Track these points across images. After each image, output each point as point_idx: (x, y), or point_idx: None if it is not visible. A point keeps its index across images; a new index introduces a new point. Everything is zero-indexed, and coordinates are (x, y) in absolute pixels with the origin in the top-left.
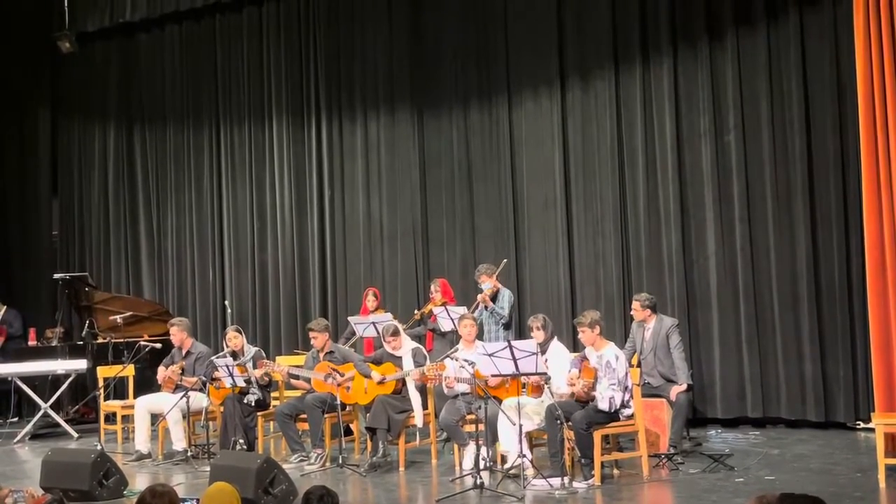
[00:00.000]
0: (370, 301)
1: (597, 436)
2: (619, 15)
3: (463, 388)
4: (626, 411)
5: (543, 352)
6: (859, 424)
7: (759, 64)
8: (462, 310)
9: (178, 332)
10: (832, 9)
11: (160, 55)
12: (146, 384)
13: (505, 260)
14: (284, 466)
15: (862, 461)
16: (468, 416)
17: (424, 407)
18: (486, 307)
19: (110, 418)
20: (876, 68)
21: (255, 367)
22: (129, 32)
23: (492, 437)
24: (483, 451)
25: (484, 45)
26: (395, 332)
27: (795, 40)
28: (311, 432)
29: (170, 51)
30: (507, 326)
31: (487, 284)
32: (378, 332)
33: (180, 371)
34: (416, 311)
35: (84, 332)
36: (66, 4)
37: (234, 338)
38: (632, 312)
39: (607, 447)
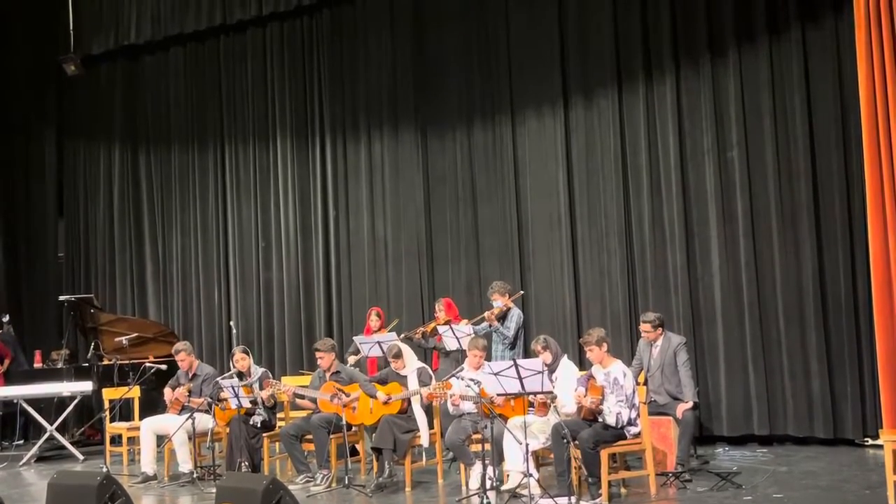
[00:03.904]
0: (373, 321)
1: (604, 454)
2: (622, 33)
3: (469, 407)
4: (633, 429)
5: (553, 370)
6: (868, 441)
7: (762, 80)
8: (467, 328)
9: (186, 357)
10: (834, 24)
11: (165, 77)
12: (152, 406)
13: (521, 291)
14: (290, 487)
15: (871, 478)
16: (474, 436)
17: (430, 426)
18: (489, 325)
19: (116, 440)
20: (879, 83)
21: (261, 388)
22: (134, 55)
23: (498, 457)
24: (489, 470)
25: (487, 64)
26: (398, 355)
27: (798, 56)
28: (316, 453)
29: (174, 73)
30: (511, 346)
31: (499, 303)
32: (383, 352)
33: (188, 393)
34: (417, 330)
35: (90, 354)
36: (71, 27)
37: (242, 359)
38: (642, 334)
39: (614, 466)
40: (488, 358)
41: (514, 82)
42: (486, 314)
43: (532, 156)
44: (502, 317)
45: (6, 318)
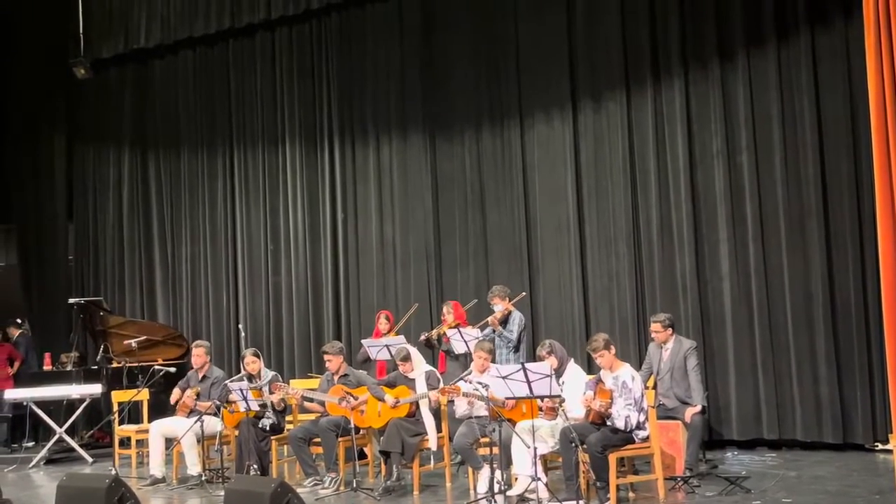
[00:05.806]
0: (382, 324)
1: (612, 458)
2: (630, 36)
3: (479, 409)
4: (642, 433)
5: (560, 374)
6: (877, 446)
7: (771, 84)
8: (476, 332)
9: (202, 354)
10: (843, 28)
11: (174, 81)
12: (161, 408)
13: (524, 293)
14: (299, 490)
15: (880, 483)
16: (482, 439)
17: (438, 430)
18: (493, 330)
19: (125, 443)
20: (888, 86)
21: (270, 391)
22: (144, 59)
23: (506, 461)
24: (497, 474)
25: (495, 68)
26: (406, 358)
27: (807, 60)
28: (324, 456)
29: (184, 77)
30: (515, 349)
31: (499, 307)
32: (391, 356)
33: (196, 396)
34: (423, 334)
35: (99, 357)
36: (81, 31)
37: (252, 362)
38: (653, 335)
39: (622, 470)
40: (493, 362)
41: (522, 86)
42: (488, 319)
43: (540, 160)
44: (504, 321)
45: (20, 320)
